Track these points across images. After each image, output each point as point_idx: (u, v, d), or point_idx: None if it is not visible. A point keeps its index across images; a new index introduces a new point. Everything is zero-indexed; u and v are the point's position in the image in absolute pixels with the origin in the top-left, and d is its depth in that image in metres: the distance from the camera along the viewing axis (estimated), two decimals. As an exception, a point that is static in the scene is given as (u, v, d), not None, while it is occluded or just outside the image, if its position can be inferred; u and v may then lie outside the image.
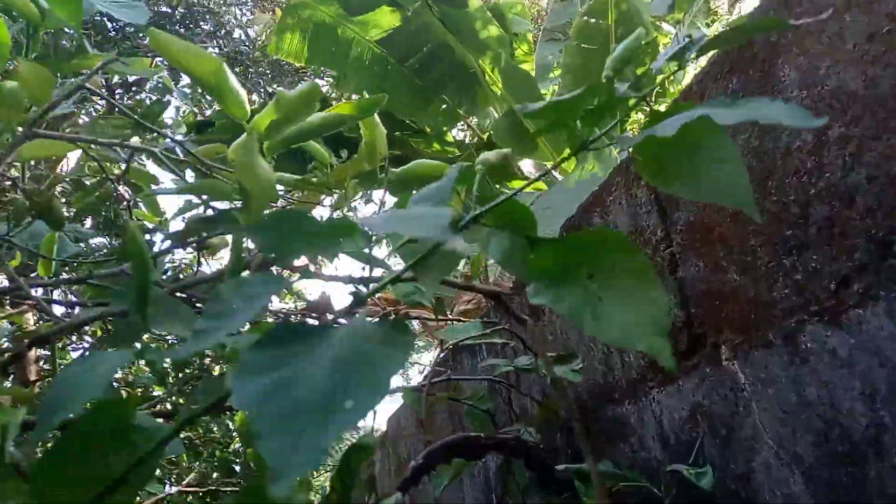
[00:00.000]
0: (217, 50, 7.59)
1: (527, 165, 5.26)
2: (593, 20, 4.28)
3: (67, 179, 1.51)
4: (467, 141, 6.23)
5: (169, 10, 6.65)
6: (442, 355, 1.80)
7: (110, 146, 1.18)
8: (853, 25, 0.73)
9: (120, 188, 1.34)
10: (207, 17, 7.44)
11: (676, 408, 1.05)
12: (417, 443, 2.71)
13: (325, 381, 0.40)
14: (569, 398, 1.31)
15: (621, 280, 0.54)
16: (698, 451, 1.01)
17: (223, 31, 7.83)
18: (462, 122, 5.73)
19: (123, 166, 1.33)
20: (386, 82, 4.89)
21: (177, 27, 7.01)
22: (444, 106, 5.31)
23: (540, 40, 5.39)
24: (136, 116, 1.21)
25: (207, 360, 3.40)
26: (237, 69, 7.49)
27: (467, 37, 4.67)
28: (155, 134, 1.86)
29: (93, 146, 1.27)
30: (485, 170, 0.60)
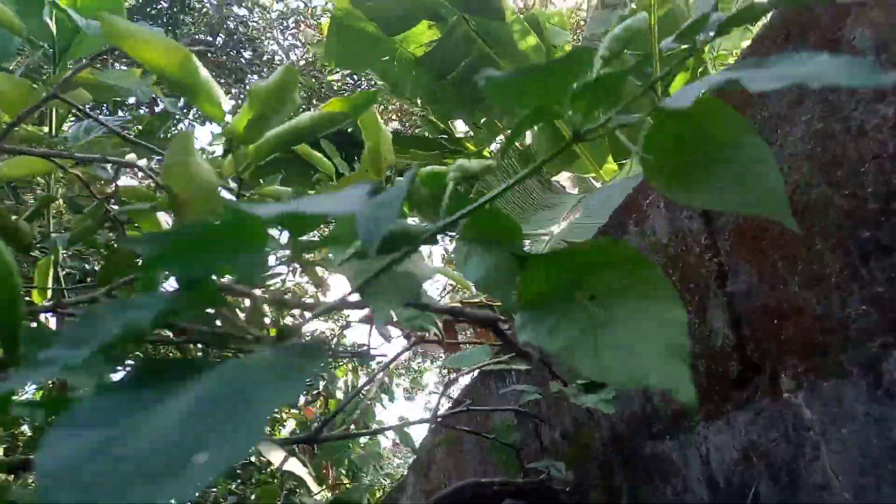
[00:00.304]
0: (257, 77, 7.63)
1: (563, 179, 5.09)
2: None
3: (60, 200, 1.42)
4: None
5: (210, 38, 6.72)
6: (465, 382, 1.66)
7: (91, 162, 1.08)
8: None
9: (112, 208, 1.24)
10: (247, 44, 7.49)
11: (727, 446, 0.88)
12: (449, 467, 2.56)
13: (173, 431, 0.27)
14: (602, 431, 1.15)
15: (629, 300, 0.41)
16: (754, 498, 0.84)
17: (265, 58, 7.88)
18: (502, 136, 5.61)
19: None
20: (437, 90, 4.84)
21: (217, 55, 7.08)
22: (483, 119, 5.21)
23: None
24: (118, 131, 1.11)
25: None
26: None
27: (505, 49, 4.56)
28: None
29: (82, 163, 1.18)
30: (459, 178, 0.47)
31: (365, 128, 1.08)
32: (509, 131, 5.15)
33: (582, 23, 7.21)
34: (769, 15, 0.80)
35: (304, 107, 7.92)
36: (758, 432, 0.82)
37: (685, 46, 0.48)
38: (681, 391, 0.35)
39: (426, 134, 5.56)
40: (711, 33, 0.44)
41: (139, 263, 1.14)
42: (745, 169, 0.41)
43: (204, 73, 0.84)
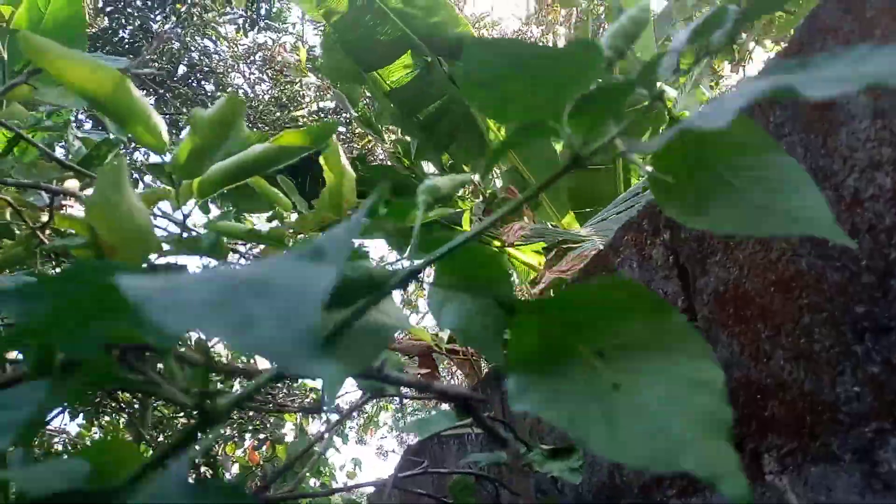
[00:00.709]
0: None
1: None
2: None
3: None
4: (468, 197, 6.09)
5: (170, 68, 6.60)
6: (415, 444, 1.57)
7: (25, 188, 1.00)
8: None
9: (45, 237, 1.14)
10: (210, 76, 7.38)
11: (703, 528, 0.82)
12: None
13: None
14: (566, 500, 1.08)
15: (649, 356, 0.34)
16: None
17: (228, 90, 7.80)
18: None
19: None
20: (406, 128, 4.82)
21: (178, 85, 6.95)
22: (450, 162, 5.20)
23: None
24: (54, 155, 1.03)
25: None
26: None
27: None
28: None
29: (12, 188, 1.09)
30: (430, 201, 0.40)
31: (327, 165, 1.01)
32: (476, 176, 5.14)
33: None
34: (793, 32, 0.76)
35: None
36: (736, 515, 0.76)
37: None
38: (726, 480, 0.28)
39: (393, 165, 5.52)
40: (729, 25, 0.39)
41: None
42: (777, 186, 0.35)
43: (140, 98, 0.77)
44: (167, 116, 6.93)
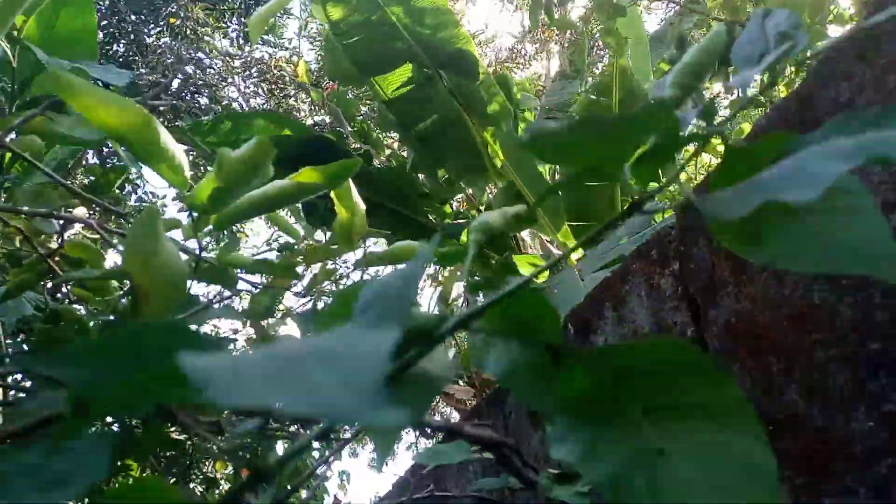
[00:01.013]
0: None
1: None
2: (598, 98, 4.20)
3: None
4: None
5: (163, 80, 6.58)
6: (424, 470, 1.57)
7: (31, 215, 1.00)
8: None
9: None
10: (204, 90, 7.37)
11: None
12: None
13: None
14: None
15: (698, 424, 0.33)
16: None
17: (224, 103, 7.79)
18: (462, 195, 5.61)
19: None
20: (404, 139, 4.83)
21: (172, 99, 6.94)
22: (445, 176, 5.21)
23: (538, 118, 5.32)
24: (64, 182, 1.03)
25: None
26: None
27: (476, 108, 4.60)
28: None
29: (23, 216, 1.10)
30: (482, 241, 0.40)
31: (339, 201, 1.02)
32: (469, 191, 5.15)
33: (540, 92, 7.38)
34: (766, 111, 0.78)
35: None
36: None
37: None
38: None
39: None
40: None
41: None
42: (847, 220, 0.32)
43: (165, 136, 0.78)
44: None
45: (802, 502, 0.70)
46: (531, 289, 0.37)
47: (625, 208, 0.36)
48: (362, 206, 0.99)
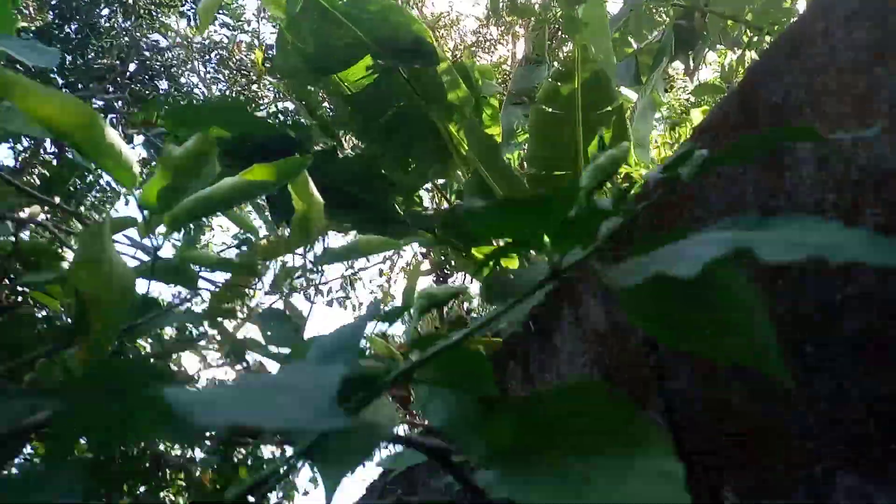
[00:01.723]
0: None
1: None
2: (560, 84, 4.22)
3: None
4: (435, 203, 6.12)
5: (118, 63, 6.42)
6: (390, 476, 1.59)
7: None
8: (887, 83, 0.58)
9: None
10: (163, 74, 7.21)
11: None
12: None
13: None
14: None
15: (615, 451, 0.38)
16: None
17: (184, 90, 7.63)
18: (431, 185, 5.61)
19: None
20: (367, 133, 4.78)
21: (130, 83, 6.77)
22: (412, 166, 5.20)
23: (504, 104, 5.33)
24: (12, 180, 1.02)
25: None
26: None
27: (436, 98, 4.59)
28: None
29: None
30: (426, 307, 0.44)
31: (296, 194, 1.02)
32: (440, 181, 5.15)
33: (509, 77, 7.39)
34: (710, 111, 0.81)
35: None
36: (698, 539, 0.80)
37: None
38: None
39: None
40: (695, 167, 0.43)
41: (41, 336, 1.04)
42: (737, 321, 0.39)
43: (111, 134, 0.77)
44: (118, 116, 6.75)
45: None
46: (468, 346, 0.41)
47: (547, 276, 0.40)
48: (320, 200, 0.99)
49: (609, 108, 4.14)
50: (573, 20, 4.03)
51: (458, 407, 0.40)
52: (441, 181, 5.33)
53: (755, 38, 4.77)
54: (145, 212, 0.84)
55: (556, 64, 5.24)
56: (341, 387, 0.28)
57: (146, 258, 1.01)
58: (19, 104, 0.71)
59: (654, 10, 5.03)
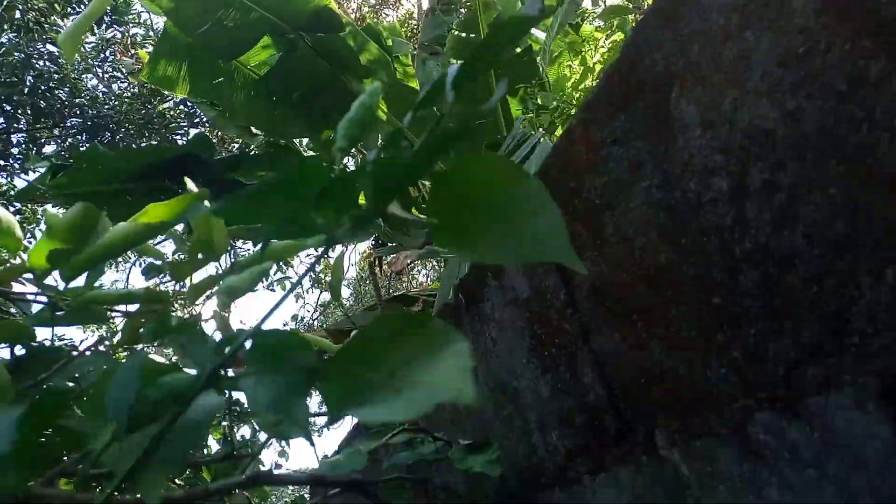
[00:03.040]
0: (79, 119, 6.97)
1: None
2: (465, 34, 4.17)
3: None
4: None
5: (15, 80, 6.06)
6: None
7: None
8: (758, 47, 0.58)
9: None
10: (61, 83, 6.83)
11: (615, 502, 0.89)
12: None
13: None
14: (493, 486, 1.13)
15: (420, 354, 0.44)
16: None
17: (84, 95, 7.24)
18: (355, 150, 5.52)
19: None
20: (276, 112, 4.63)
21: (28, 97, 6.40)
22: (332, 135, 5.09)
23: (417, 57, 5.25)
24: None
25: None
26: (106, 134, 6.92)
27: (347, 63, 4.48)
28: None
29: None
30: (227, 301, 0.49)
31: (197, 227, 1.00)
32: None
33: (416, 31, 7.25)
34: (597, 81, 0.80)
35: (136, 140, 7.38)
36: (643, 486, 0.83)
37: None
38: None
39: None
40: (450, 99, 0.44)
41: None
42: (525, 218, 0.43)
43: None
44: (22, 134, 6.42)
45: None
46: (279, 329, 0.43)
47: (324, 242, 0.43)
48: (221, 225, 0.96)
49: (518, 51, 4.11)
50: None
51: (286, 386, 0.43)
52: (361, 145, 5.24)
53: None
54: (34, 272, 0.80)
55: (457, 11, 5.16)
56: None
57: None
58: None
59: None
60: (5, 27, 6.65)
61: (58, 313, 0.97)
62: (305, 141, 5.55)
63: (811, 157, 0.55)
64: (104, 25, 8.00)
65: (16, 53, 6.28)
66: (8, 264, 0.99)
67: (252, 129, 4.95)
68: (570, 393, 0.94)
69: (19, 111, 6.22)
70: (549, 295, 0.95)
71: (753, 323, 0.62)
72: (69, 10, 7.18)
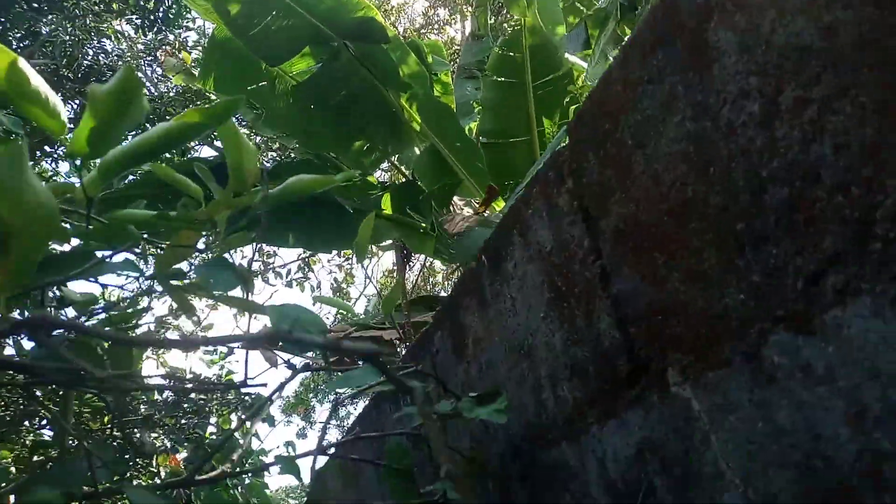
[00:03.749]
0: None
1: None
2: (508, 52, 4.24)
3: None
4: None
5: (66, 70, 6.24)
6: (361, 409, 1.60)
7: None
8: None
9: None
10: (110, 74, 7.05)
11: (621, 446, 0.89)
12: (348, 501, 2.47)
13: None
14: (500, 444, 1.13)
15: None
16: (647, 493, 0.85)
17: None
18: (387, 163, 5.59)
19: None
20: (312, 123, 4.71)
21: (78, 85, 6.60)
22: (367, 146, 5.16)
23: (456, 78, 5.34)
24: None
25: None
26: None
27: (387, 74, 4.57)
28: None
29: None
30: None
31: (225, 141, 1.02)
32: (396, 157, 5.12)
33: (458, 54, 7.37)
34: (636, 25, 0.83)
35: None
36: (651, 428, 0.83)
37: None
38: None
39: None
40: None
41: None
42: None
43: (36, 79, 0.76)
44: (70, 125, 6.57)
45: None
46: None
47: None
48: (251, 147, 0.99)
49: (559, 74, 4.17)
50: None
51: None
52: (396, 157, 5.31)
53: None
54: (76, 161, 0.83)
55: (501, 37, 5.26)
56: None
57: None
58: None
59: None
60: (65, 20, 6.88)
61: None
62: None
63: (845, 68, 0.57)
64: (156, 29, 8.24)
65: (68, 44, 6.48)
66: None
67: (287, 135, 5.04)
68: (583, 342, 0.95)
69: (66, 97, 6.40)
70: (573, 244, 0.96)
71: (776, 241, 0.64)
72: (126, 10, 7.40)
